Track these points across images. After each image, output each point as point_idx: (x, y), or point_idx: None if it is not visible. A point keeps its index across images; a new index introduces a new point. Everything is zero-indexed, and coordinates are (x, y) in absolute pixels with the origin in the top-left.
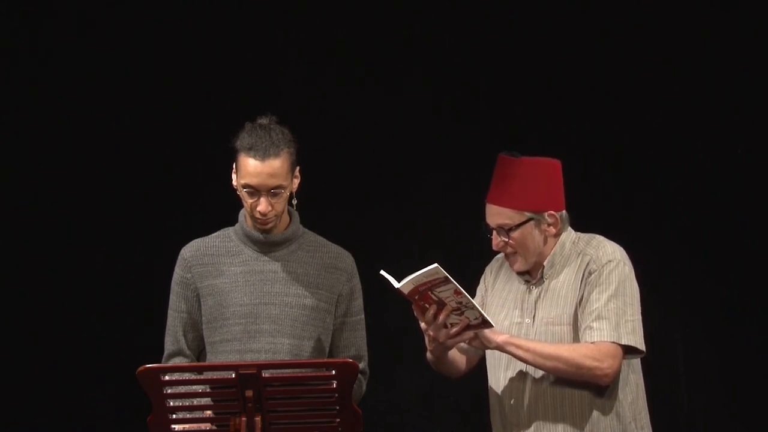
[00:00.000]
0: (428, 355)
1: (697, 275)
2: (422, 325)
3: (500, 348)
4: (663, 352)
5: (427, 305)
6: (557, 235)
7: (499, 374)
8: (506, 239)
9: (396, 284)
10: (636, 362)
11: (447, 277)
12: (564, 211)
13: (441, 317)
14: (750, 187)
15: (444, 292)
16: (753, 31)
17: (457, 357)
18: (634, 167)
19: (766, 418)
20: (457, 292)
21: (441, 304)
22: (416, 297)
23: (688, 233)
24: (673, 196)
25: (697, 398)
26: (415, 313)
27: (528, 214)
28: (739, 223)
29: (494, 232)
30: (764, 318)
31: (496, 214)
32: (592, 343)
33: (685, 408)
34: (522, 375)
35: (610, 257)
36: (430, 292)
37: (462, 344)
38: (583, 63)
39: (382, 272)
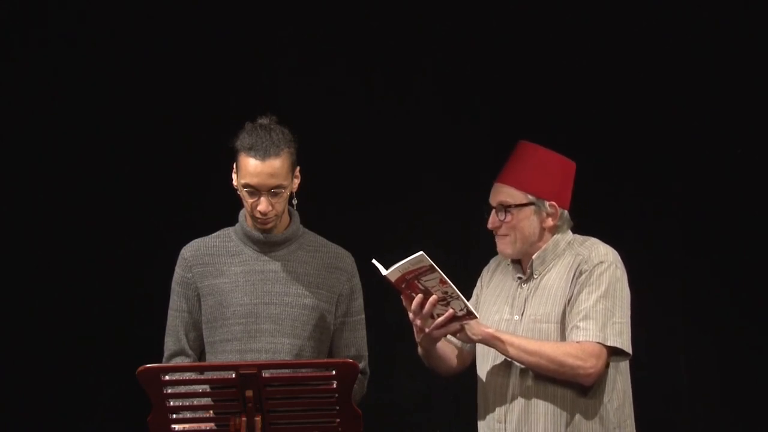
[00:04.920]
0: (419, 349)
1: (698, 277)
2: (410, 315)
3: (484, 341)
4: (664, 357)
5: (414, 294)
6: (553, 230)
7: (486, 368)
8: (503, 218)
9: (384, 271)
10: (625, 368)
11: (432, 265)
12: (566, 211)
13: (426, 306)
14: (750, 187)
15: (430, 281)
16: (753, 31)
17: (449, 352)
18: (634, 168)
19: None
20: (443, 282)
21: (428, 294)
22: (403, 286)
23: (688, 233)
24: (673, 196)
25: (698, 402)
26: (403, 303)
27: (531, 198)
28: (740, 224)
29: (493, 211)
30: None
31: (499, 192)
32: (577, 342)
33: (686, 412)
34: (507, 371)
35: (602, 258)
36: (417, 281)
37: (453, 340)
38: (584, 64)
39: (374, 261)
